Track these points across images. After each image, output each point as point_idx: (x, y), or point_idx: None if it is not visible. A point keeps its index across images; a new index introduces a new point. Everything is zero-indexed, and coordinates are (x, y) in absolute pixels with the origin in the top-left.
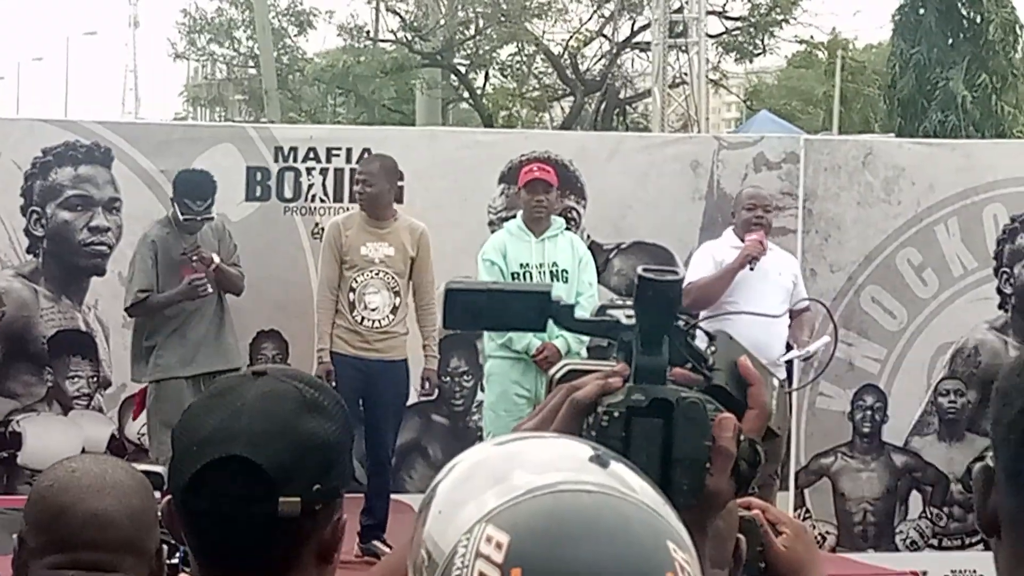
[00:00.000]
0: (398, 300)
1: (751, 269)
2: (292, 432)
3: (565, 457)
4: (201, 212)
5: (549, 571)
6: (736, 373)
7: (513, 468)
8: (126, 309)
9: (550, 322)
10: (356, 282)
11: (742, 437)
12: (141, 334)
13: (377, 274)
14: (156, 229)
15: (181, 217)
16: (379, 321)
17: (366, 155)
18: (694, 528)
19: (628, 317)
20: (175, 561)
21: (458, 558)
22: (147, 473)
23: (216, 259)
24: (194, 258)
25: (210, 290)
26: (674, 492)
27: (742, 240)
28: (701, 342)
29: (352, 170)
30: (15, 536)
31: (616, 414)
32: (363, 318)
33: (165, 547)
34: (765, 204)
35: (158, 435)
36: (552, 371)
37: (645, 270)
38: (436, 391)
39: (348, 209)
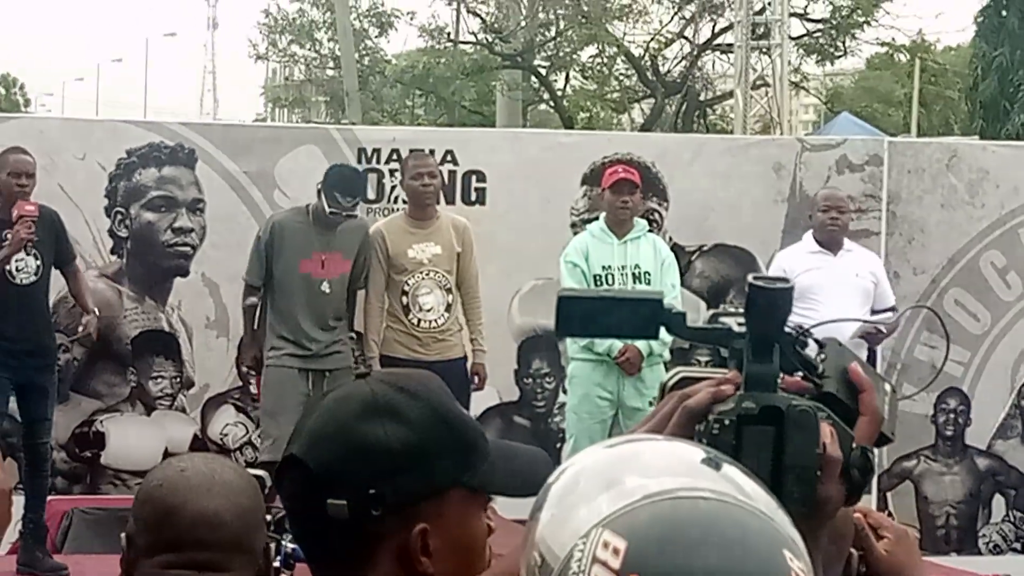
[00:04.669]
0: (451, 298)
1: None
2: (346, 435)
3: (678, 461)
4: (347, 208)
5: None
6: (847, 380)
7: (626, 472)
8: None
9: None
10: (408, 285)
11: (854, 444)
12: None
13: (428, 274)
14: (286, 214)
15: (327, 209)
16: (435, 321)
17: (410, 154)
18: (806, 536)
19: (740, 325)
20: (276, 564)
21: (574, 562)
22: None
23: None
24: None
25: None
26: (785, 500)
27: (820, 243)
28: (811, 350)
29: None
30: (123, 535)
31: (727, 422)
32: (419, 320)
33: (272, 546)
34: (840, 205)
35: (264, 421)
36: (665, 378)
37: (755, 278)
38: (484, 385)
39: None
